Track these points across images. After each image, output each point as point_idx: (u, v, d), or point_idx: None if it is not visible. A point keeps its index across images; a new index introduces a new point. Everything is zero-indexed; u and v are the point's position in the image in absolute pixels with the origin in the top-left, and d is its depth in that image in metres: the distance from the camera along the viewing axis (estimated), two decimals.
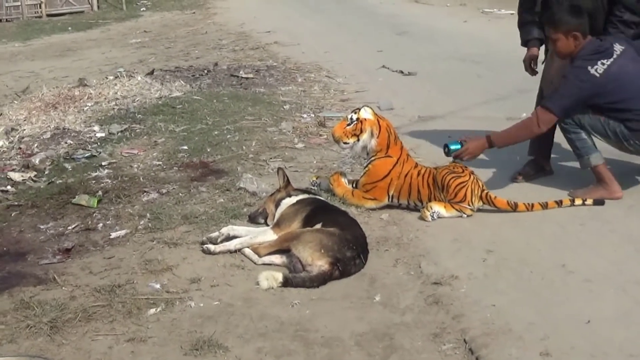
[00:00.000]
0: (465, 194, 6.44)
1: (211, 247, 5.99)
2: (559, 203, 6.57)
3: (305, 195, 6.45)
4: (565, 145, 7.05)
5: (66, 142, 9.30)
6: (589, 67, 6.49)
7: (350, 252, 5.58)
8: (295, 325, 4.96)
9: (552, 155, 7.52)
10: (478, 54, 13.67)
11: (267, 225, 6.36)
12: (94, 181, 7.79)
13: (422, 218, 6.53)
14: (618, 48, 6.59)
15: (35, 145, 9.31)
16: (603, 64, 6.48)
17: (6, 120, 10.56)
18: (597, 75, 6.46)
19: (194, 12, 24.37)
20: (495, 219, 6.47)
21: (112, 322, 5.04)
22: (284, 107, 10.55)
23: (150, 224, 6.61)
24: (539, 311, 4.96)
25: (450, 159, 6.80)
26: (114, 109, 10.75)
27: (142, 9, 26.73)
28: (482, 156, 7.14)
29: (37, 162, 8.49)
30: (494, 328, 4.77)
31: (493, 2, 20.44)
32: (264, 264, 5.78)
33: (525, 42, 7.56)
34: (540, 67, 7.52)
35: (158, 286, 5.51)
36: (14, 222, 6.96)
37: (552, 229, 6.24)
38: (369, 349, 4.66)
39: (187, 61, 15.35)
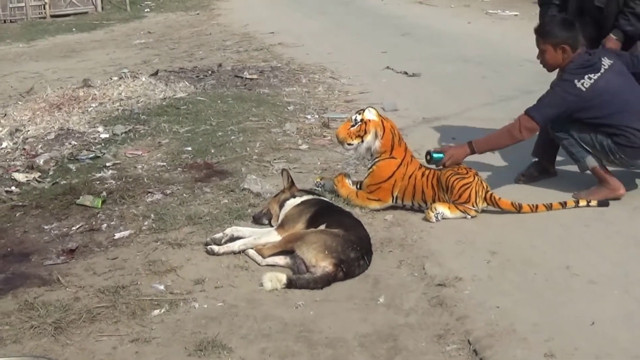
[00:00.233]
0: (469, 195, 6.44)
1: (215, 248, 6.00)
2: (563, 204, 6.57)
3: (310, 196, 6.45)
4: None
5: (70, 143, 9.30)
6: (576, 81, 6.53)
7: (354, 254, 5.58)
8: (299, 326, 4.96)
9: (557, 157, 7.52)
10: (482, 55, 13.65)
11: (271, 226, 6.36)
12: (98, 182, 7.79)
13: (426, 219, 6.53)
14: (606, 62, 6.63)
15: (40, 146, 9.31)
16: (590, 78, 6.52)
17: (10, 121, 10.55)
18: (584, 89, 6.50)
19: (197, 13, 24.36)
20: (499, 220, 6.47)
21: (116, 323, 5.05)
22: (288, 108, 10.55)
23: (154, 225, 6.62)
24: (543, 312, 4.96)
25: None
26: (118, 109, 10.75)
27: (146, 10, 26.72)
28: (485, 157, 7.14)
29: (41, 162, 8.49)
30: (498, 329, 4.77)
31: (497, 3, 20.44)
32: (267, 265, 5.78)
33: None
34: None
35: (162, 287, 5.51)
36: (18, 223, 6.97)
37: (557, 230, 6.24)
38: (372, 350, 4.66)
39: (191, 62, 15.35)
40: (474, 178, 6.50)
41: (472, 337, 4.72)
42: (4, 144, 9.49)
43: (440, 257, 5.87)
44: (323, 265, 5.49)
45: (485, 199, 6.51)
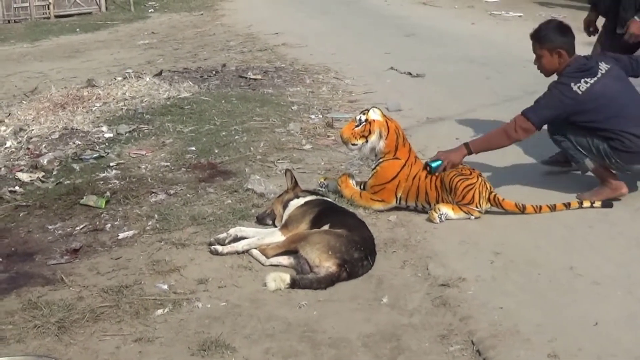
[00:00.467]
0: (473, 196, 6.44)
1: (219, 248, 6.00)
2: (567, 205, 6.57)
3: (313, 197, 6.45)
4: None
5: (74, 143, 9.30)
6: (572, 84, 6.54)
7: (358, 254, 5.59)
8: (302, 326, 4.96)
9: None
10: (486, 56, 13.65)
11: (275, 226, 6.36)
12: (102, 182, 7.80)
13: (429, 220, 6.53)
14: (603, 67, 6.65)
15: (44, 145, 9.32)
16: (587, 82, 6.53)
17: (14, 121, 10.56)
18: (580, 92, 6.52)
19: (201, 14, 24.34)
20: (503, 221, 6.47)
21: (120, 323, 5.06)
22: (292, 108, 10.55)
23: (158, 225, 6.62)
24: (546, 313, 4.96)
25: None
26: (122, 109, 10.76)
27: (150, 11, 26.69)
28: (489, 158, 7.14)
29: (45, 162, 8.50)
30: (501, 330, 4.78)
31: (501, 4, 20.43)
32: (271, 265, 5.78)
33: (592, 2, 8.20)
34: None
35: (165, 287, 5.52)
36: (22, 223, 6.98)
37: (560, 231, 6.24)
38: (376, 350, 4.66)
39: (195, 62, 15.35)
40: (478, 179, 6.50)
41: (475, 337, 4.72)
42: (8, 144, 9.49)
43: (443, 257, 5.87)
44: (327, 265, 5.49)
45: (488, 199, 6.51)
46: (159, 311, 5.18)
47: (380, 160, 6.80)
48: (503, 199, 6.52)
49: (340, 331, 4.88)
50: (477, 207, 6.48)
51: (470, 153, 6.71)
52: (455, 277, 5.49)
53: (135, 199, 7.27)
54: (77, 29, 23.22)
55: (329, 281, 5.45)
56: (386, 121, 6.76)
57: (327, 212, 6.10)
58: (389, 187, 6.73)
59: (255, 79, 12.91)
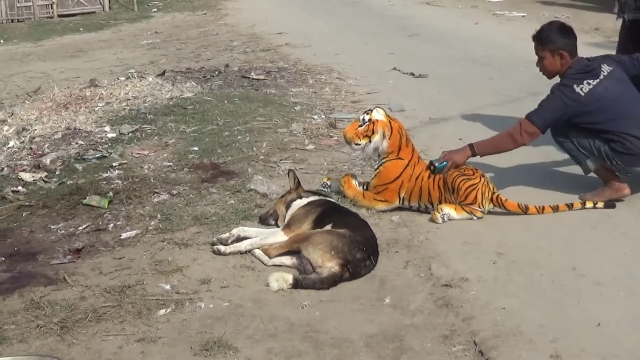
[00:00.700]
0: (475, 196, 6.44)
1: (221, 248, 6.01)
2: (570, 206, 6.56)
3: (316, 197, 6.45)
4: None
5: (77, 143, 9.31)
6: (575, 86, 6.54)
7: (361, 254, 5.59)
8: (305, 326, 4.96)
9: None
10: (489, 56, 13.64)
11: (278, 226, 6.36)
12: (104, 182, 7.80)
13: (432, 220, 6.53)
14: (605, 69, 6.65)
15: (46, 145, 9.32)
16: (589, 83, 6.54)
17: (17, 121, 10.57)
18: (582, 94, 6.52)
19: (205, 13, 24.35)
20: (505, 222, 6.47)
21: (122, 323, 5.06)
22: (295, 108, 10.54)
23: (160, 225, 6.63)
24: (549, 314, 4.96)
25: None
26: (125, 109, 10.76)
27: (153, 10, 26.72)
28: (492, 158, 7.14)
29: (48, 162, 8.51)
30: (504, 330, 4.78)
31: (504, 4, 20.43)
32: (274, 265, 5.79)
33: None
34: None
35: (168, 287, 5.52)
36: (25, 223, 6.98)
37: (563, 232, 6.24)
38: (378, 350, 4.67)
39: (198, 62, 15.36)
40: (480, 179, 6.50)
41: (478, 338, 4.72)
42: (11, 144, 9.51)
43: (446, 258, 5.87)
44: (329, 265, 5.49)
45: (491, 200, 6.51)
46: (162, 311, 5.18)
47: (384, 160, 6.80)
48: (506, 200, 6.52)
49: (342, 331, 4.88)
50: (479, 207, 6.47)
51: (474, 155, 6.70)
52: (457, 277, 5.49)
53: (138, 199, 7.28)
54: (81, 29, 23.26)
55: (332, 281, 5.45)
56: (389, 121, 6.76)
57: (329, 212, 6.10)
58: (392, 187, 6.73)
59: (258, 79, 12.91)
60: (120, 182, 7.79)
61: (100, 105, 11.06)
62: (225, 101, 10.92)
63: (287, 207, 6.40)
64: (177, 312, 5.18)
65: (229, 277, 5.66)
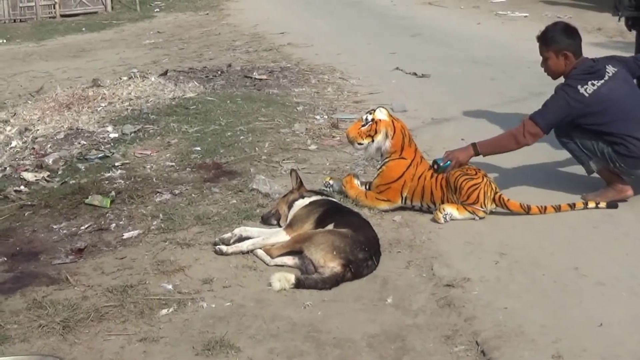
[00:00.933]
0: (478, 196, 6.44)
1: (223, 248, 6.01)
2: (572, 206, 6.56)
3: (318, 197, 6.45)
4: None
5: (79, 143, 9.31)
6: (579, 86, 6.53)
7: (363, 254, 5.59)
8: (307, 326, 4.96)
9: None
10: (491, 57, 13.64)
11: (280, 226, 6.36)
12: (107, 182, 7.80)
13: (434, 220, 6.53)
14: (610, 70, 6.64)
15: (49, 145, 9.33)
16: (593, 84, 6.53)
17: (20, 120, 10.58)
18: (586, 95, 6.51)
19: (207, 13, 24.36)
20: (507, 222, 6.47)
21: (124, 322, 5.06)
22: (297, 108, 10.55)
23: (162, 225, 6.63)
24: (551, 314, 4.96)
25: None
26: (127, 109, 10.77)
27: (155, 10, 26.74)
28: (494, 158, 7.14)
29: (50, 162, 8.51)
30: (506, 330, 4.78)
31: (507, 4, 20.42)
32: (276, 265, 5.79)
33: None
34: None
35: (170, 287, 5.53)
36: (27, 222, 6.99)
37: (565, 232, 6.23)
38: (380, 350, 4.67)
39: (201, 62, 15.37)
40: (483, 179, 6.50)
41: (480, 338, 4.72)
42: (14, 143, 9.51)
43: (448, 258, 5.87)
44: (331, 265, 5.49)
45: (493, 200, 6.51)
46: (164, 311, 5.18)
47: (386, 160, 6.81)
48: (508, 200, 6.52)
49: (344, 331, 4.88)
50: (482, 207, 6.47)
51: (477, 154, 6.70)
52: (459, 277, 5.49)
53: (140, 198, 7.28)
54: (83, 29, 23.28)
55: (334, 281, 5.45)
56: (392, 121, 6.77)
57: (331, 212, 6.10)
58: (394, 186, 6.74)
59: (260, 79, 12.91)
60: (122, 181, 7.79)
61: (103, 105, 11.06)
62: (228, 101, 10.93)
63: (289, 206, 6.40)
64: (179, 311, 5.18)
65: (231, 277, 5.66)
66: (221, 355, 4.65)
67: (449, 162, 6.59)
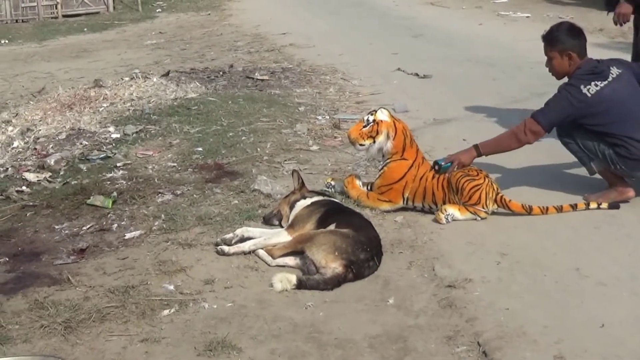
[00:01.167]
0: (479, 197, 6.44)
1: (225, 248, 6.01)
2: (574, 207, 6.56)
3: (320, 197, 6.45)
4: None
5: (81, 143, 9.31)
6: (582, 86, 6.53)
7: (364, 255, 5.59)
8: (308, 327, 4.97)
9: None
10: (493, 57, 13.64)
11: (282, 227, 6.36)
12: (108, 182, 7.81)
13: (436, 220, 6.53)
14: (614, 71, 6.64)
15: (51, 145, 9.33)
16: (596, 85, 6.52)
17: (22, 121, 10.58)
18: (589, 95, 6.50)
19: (209, 14, 24.37)
20: (509, 222, 6.47)
21: (126, 323, 5.07)
22: (299, 109, 10.55)
23: (164, 225, 6.63)
24: (552, 314, 4.96)
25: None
26: (129, 110, 10.77)
27: (157, 10, 26.74)
28: (496, 159, 7.14)
29: (52, 162, 8.51)
30: (507, 331, 4.78)
31: (509, 5, 20.42)
32: (277, 266, 5.79)
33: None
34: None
35: (172, 287, 5.53)
36: (29, 223, 6.99)
37: (567, 232, 6.23)
38: (382, 351, 4.67)
39: (203, 63, 15.37)
40: (485, 180, 6.50)
41: (481, 338, 4.72)
42: (15, 144, 9.51)
43: (450, 258, 5.87)
44: (333, 266, 5.50)
45: (495, 200, 6.51)
46: (166, 311, 5.18)
47: (388, 160, 6.81)
48: (510, 200, 6.52)
49: (346, 332, 4.89)
50: (483, 207, 6.47)
51: (479, 155, 6.70)
52: (461, 278, 5.49)
53: (142, 199, 7.28)
54: (85, 29, 23.29)
55: (335, 282, 5.45)
56: (394, 122, 6.77)
57: (333, 213, 6.10)
58: (396, 187, 6.74)
59: (262, 80, 12.91)
60: (124, 182, 7.79)
61: (105, 105, 11.07)
62: (230, 102, 10.93)
63: (291, 207, 6.40)
64: (181, 312, 5.19)
65: (232, 277, 5.66)
66: (223, 355, 4.66)
67: (450, 162, 6.60)
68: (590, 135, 6.66)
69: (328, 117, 10.10)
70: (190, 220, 6.67)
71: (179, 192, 7.42)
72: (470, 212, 6.48)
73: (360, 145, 6.81)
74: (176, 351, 4.74)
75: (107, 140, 9.38)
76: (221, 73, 13.73)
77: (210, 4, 26.83)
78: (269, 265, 5.82)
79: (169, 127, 9.73)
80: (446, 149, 7.02)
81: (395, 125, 6.75)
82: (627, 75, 6.71)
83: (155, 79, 12.68)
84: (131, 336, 4.91)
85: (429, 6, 21.83)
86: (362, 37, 17.21)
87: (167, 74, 13.61)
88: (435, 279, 5.55)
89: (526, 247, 6.01)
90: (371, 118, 6.77)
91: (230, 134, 9.30)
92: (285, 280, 5.43)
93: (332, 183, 7.24)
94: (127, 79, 13.01)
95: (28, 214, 7.18)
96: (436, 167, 6.63)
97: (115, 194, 7.38)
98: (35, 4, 26.58)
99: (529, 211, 6.50)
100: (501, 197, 6.52)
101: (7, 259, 6.25)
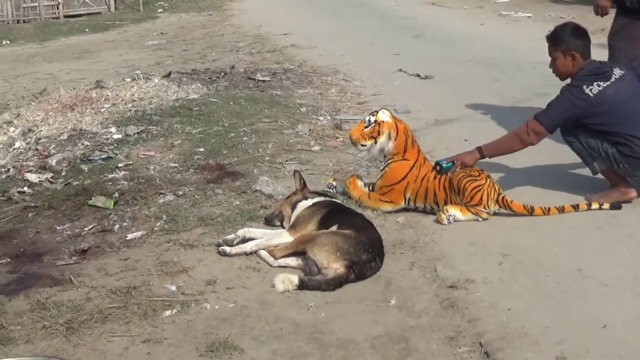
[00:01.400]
0: (481, 197, 6.44)
1: (227, 249, 6.01)
2: (576, 207, 6.56)
3: (321, 198, 6.45)
4: None
5: (83, 144, 9.31)
6: (584, 87, 6.53)
7: (366, 255, 5.59)
8: (310, 327, 4.97)
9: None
10: (495, 57, 13.63)
11: (283, 227, 6.36)
12: (110, 183, 7.81)
13: (438, 221, 6.53)
14: (617, 72, 6.64)
15: (52, 146, 9.33)
16: (599, 85, 6.53)
17: (23, 122, 10.58)
18: (591, 95, 6.50)
19: (210, 14, 24.37)
20: (511, 223, 6.46)
21: (128, 324, 5.07)
22: (301, 109, 10.55)
23: (166, 226, 6.63)
24: (554, 315, 4.95)
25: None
26: (130, 110, 10.77)
27: (159, 11, 26.75)
28: (498, 159, 7.13)
29: (53, 163, 8.50)
30: (509, 332, 4.78)
31: (510, 5, 20.41)
32: (279, 267, 5.79)
33: None
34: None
35: (174, 288, 5.52)
36: (31, 223, 6.99)
37: (568, 233, 6.23)
38: (384, 351, 4.67)
39: (204, 63, 15.36)
40: (486, 180, 6.49)
41: (483, 339, 4.72)
42: (17, 145, 9.51)
43: (451, 259, 5.87)
44: (335, 267, 5.50)
45: (497, 201, 6.51)
46: (167, 312, 5.18)
47: (389, 161, 6.81)
48: (511, 201, 6.52)
49: (348, 333, 4.89)
50: (485, 208, 6.47)
51: (483, 157, 6.70)
52: (463, 278, 5.49)
53: (144, 199, 7.28)
54: (86, 29, 23.30)
55: (337, 283, 5.45)
56: (395, 122, 6.77)
57: (335, 213, 6.10)
58: (397, 188, 6.74)
59: (263, 81, 12.91)
60: (125, 183, 7.79)
61: (106, 106, 11.07)
62: (231, 102, 10.93)
63: (293, 208, 6.40)
64: (183, 313, 5.19)
65: (234, 278, 5.66)
66: (225, 356, 4.65)
67: (451, 162, 6.60)
68: (593, 134, 6.66)
69: (329, 118, 10.10)
70: (191, 221, 6.67)
71: (180, 192, 7.42)
72: (472, 213, 6.48)
73: (362, 145, 6.81)
74: (178, 352, 4.74)
75: (108, 141, 9.38)
76: (223, 74, 13.73)
77: (211, 4, 26.83)
78: (270, 266, 5.82)
79: (171, 128, 9.73)
80: (447, 150, 7.02)
81: (396, 126, 6.74)
82: (630, 76, 6.72)
83: (156, 80, 12.68)
84: (133, 337, 4.91)
85: (430, 6, 21.83)
86: (363, 37, 17.21)
87: (169, 74, 13.61)
88: (437, 279, 5.55)
89: (528, 247, 6.01)
90: (373, 119, 6.77)
91: (232, 134, 9.30)
92: (287, 280, 5.43)
93: (334, 184, 7.24)
94: (128, 79, 13.00)
95: (30, 215, 7.18)
96: (438, 168, 6.63)
97: (116, 194, 7.38)
98: (36, 4, 26.59)
99: (530, 212, 6.50)
100: (503, 197, 6.52)
101: (9, 260, 6.25)
